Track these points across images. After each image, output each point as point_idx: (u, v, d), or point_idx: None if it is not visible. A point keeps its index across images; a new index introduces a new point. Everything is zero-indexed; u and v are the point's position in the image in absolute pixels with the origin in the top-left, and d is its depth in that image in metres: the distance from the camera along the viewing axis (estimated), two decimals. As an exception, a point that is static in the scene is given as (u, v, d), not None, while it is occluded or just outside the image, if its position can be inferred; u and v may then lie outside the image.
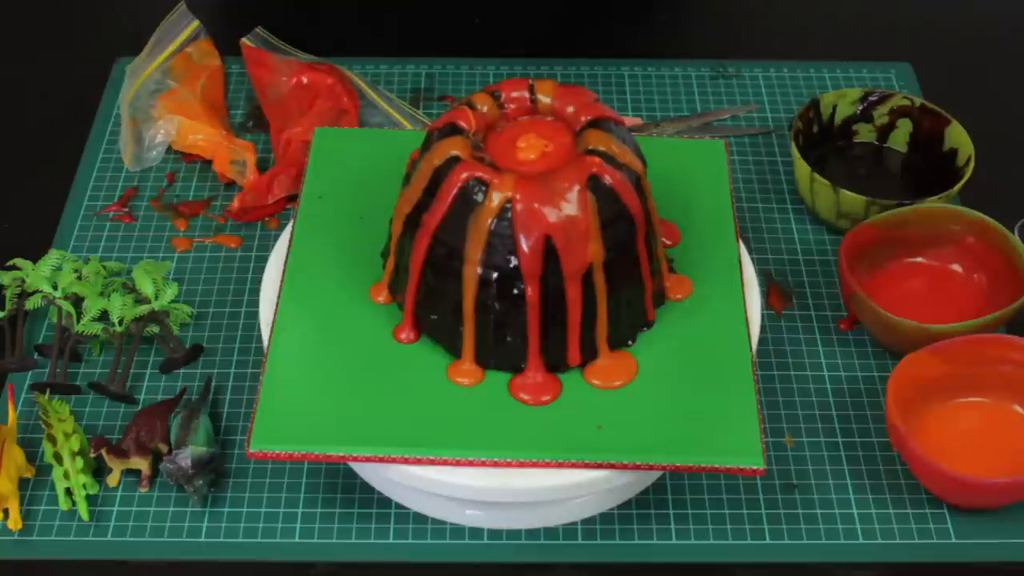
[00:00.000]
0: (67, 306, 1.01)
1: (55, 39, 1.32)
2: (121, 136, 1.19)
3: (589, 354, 0.90)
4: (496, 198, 0.85)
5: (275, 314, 0.92)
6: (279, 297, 0.93)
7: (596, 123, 0.89)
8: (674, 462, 0.85)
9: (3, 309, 1.05)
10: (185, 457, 0.90)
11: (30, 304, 1.02)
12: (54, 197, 1.15)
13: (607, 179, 0.86)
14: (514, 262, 0.86)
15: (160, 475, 0.94)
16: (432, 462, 0.85)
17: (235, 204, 1.11)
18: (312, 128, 1.14)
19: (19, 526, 0.90)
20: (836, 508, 0.93)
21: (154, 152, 1.16)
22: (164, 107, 1.17)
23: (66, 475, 0.91)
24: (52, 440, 0.93)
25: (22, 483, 0.94)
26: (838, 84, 1.27)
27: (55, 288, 1.03)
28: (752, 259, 1.10)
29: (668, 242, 0.97)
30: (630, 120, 1.21)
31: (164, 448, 0.94)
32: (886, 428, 0.96)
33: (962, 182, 1.07)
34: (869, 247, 1.05)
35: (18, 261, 1.05)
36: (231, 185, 1.15)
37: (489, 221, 0.85)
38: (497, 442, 0.85)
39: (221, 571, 0.90)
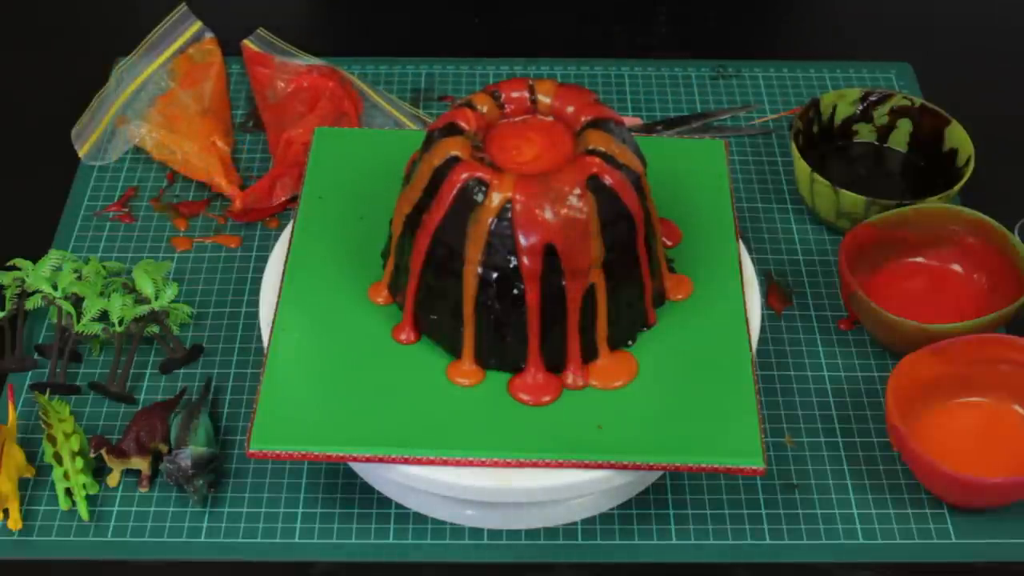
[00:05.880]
0: (67, 306, 1.01)
1: (55, 39, 1.32)
2: (86, 124, 1.18)
3: (589, 354, 0.90)
4: (496, 198, 0.85)
5: (275, 314, 0.92)
6: (279, 297, 0.93)
7: (596, 123, 0.89)
8: (674, 462, 0.85)
9: (3, 309, 1.05)
10: (185, 457, 0.90)
11: (30, 304, 1.02)
12: (54, 197, 1.15)
13: (607, 179, 0.86)
14: (514, 262, 0.86)
15: (160, 475, 0.94)
16: (432, 462, 0.85)
17: (237, 204, 1.11)
18: (313, 129, 1.14)
19: (19, 526, 0.90)
20: (836, 508, 0.93)
21: (113, 153, 1.16)
22: (159, 112, 1.17)
23: (66, 475, 0.91)
24: (52, 440, 0.93)
25: (22, 483, 0.94)
26: (838, 84, 1.27)
27: (55, 288, 1.03)
28: (752, 259, 1.10)
29: (668, 242, 0.97)
30: (630, 120, 1.21)
31: (164, 448, 0.94)
32: (886, 428, 0.96)
33: (962, 182, 1.07)
34: (869, 247, 1.05)
35: (18, 261, 1.05)
36: (231, 185, 1.16)
37: (489, 221, 0.85)
38: (497, 442, 0.85)
39: (221, 571, 0.90)
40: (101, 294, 1.03)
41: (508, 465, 0.85)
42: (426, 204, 0.88)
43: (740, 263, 0.96)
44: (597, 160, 0.86)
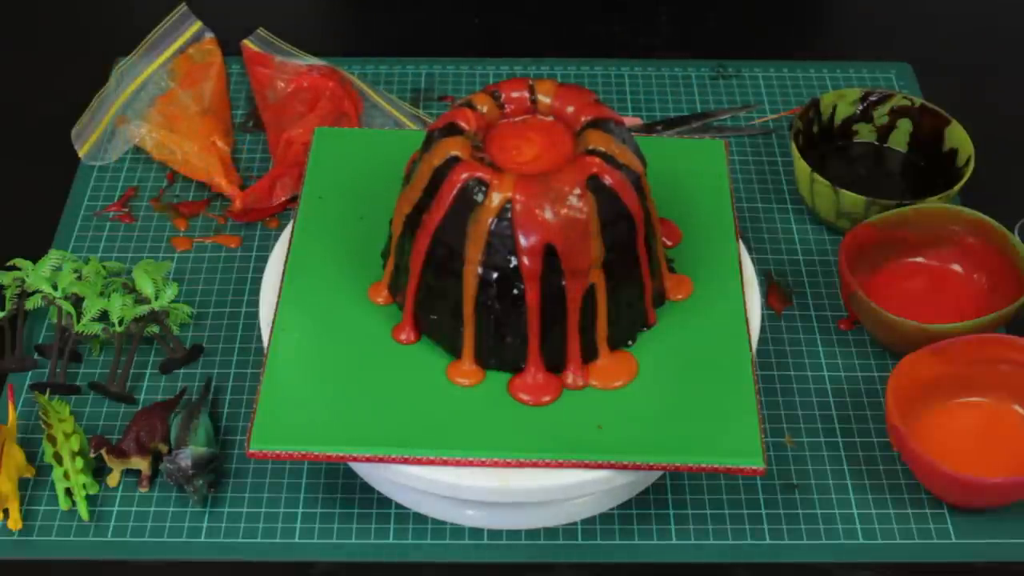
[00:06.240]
0: (67, 306, 1.01)
1: (55, 39, 1.32)
2: (86, 124, 1.18)
3: (589, 354, 0.90)
4: (496, 198, 0.85)
5: (275, 314, 0.92)
6: (279, 297, 0.93)
7: (596, 123, 0.89)
8: (674, 462, 0.85)
9: (3, 309, 1.05)
10: (185, 457, 0.90)
11: (30, 304, 1.02)
12: (54, 197, 1.15)
13: (607, 179, 0.86)
14: (514, 262, 0.86)
15: (160, 475, 0.94)
16: (432, 462, 0.85)
17: (237, 204, 1.11)
18: (313, 129, 1.14)
19: (19, 526, 0.90)
20: (836, 508, 0.93)
21: (113, 153, 1.16)
22: (159, 112, 1.17)
23: (66, 475, 0.91)
24: (52, 440, 0.93)
25: (22, 483, 0.94)
26: (838, 84, 1.27)
27: (55, 288, 1.03)
28: (752, 259, 1.10)
29: (668, 242, 0.97)
30: (630, 120, 1.21)
31: (164, 448, 0.94)
32: (886, 428, 0.96)
33: (962, 182, 1.07)
34: (869, 247, 1.05)
35: (18, 261, 1.05)
36: (231, 185, 1.16)
37: (489, 221, 0.85)
38: (497, 442, 0.85)
39: (221, 571, 0.90)
40: (101, 294, 1.03)
41: (508, 465, 0.85)
42: (426, 204, 0.88)
43: (740, 263, 0.96)
44: (597, 160, 0.86)
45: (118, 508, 0.92)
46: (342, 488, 0.94)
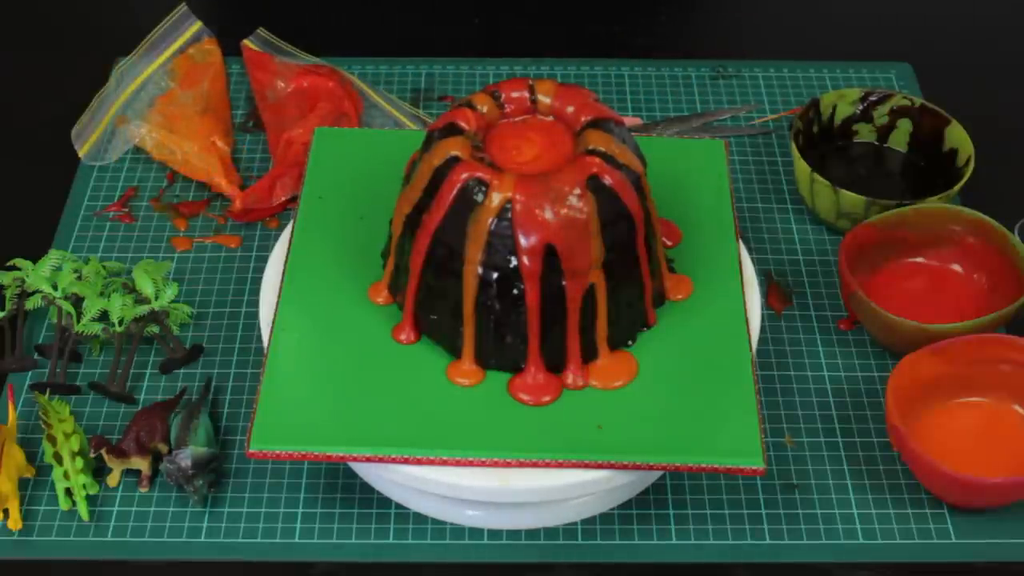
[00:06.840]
0: (67, 306, 1.01)
1: (55, 39, 1.32)
2: (86, 124, 1.18)
3: (589, 354, 0.90)
4: (496, 198, 0.85)
5: (275, 314, 0.92)
6: (279, 297, 0.93)
7: (596, 123, 0.89)
8: (674, 462, 0.85)
9: (3, 309, 1.05)
10: (185, 457, 0.90)
11: (30, 304, 1.02)
12: (54, 197, 1.15)
13: (607, 179, 0.86)
14: (514, 262, 0.86)
15: (160, 475, 0.94)
16: (432, 462, 0.85)
17: (237, 204, 1.11)
18: (313, 129, 1.14)
19: (19, 526, 0.90)
20: (836, 508, 0.93)
21: (113, 153, 1.16)
22: (159, 112, 1.17)
23: (66, 475, 0.91)
24: (52, 440, 0.93)
25: (22, 483, 0.94)
26: (838, 84, 1.27)
27: (55, 288, 1.03)
28: (752, 259, 1.10)
29: (668, 242, 0.98)
30: (630, 120, 1.21)
31: (164, 448, 0.94)
32: (886, 428, 0.96)
33: (962, 182, 1.07)
34: (869, 247, 1.05)
35: (18, 261, 1.05)
36: (231, 185, 1.16)
37: (489, 221, 0.85)
38: (497, 442, 0.85)
39: (221, 571, 0.90)
40: (101, 294, 1.03)
41: (508, 465, 0.85)
42: (426, 204, 0.88)
43: (740, 263, 0.96)
44: (597, 160, 0.86)
45: (118, 508, 0.92)
46: (342, 488, 0.94)
